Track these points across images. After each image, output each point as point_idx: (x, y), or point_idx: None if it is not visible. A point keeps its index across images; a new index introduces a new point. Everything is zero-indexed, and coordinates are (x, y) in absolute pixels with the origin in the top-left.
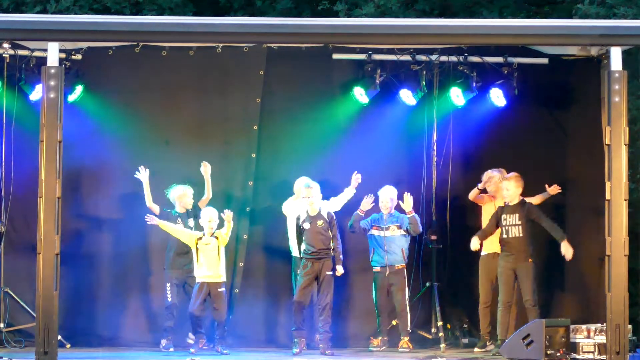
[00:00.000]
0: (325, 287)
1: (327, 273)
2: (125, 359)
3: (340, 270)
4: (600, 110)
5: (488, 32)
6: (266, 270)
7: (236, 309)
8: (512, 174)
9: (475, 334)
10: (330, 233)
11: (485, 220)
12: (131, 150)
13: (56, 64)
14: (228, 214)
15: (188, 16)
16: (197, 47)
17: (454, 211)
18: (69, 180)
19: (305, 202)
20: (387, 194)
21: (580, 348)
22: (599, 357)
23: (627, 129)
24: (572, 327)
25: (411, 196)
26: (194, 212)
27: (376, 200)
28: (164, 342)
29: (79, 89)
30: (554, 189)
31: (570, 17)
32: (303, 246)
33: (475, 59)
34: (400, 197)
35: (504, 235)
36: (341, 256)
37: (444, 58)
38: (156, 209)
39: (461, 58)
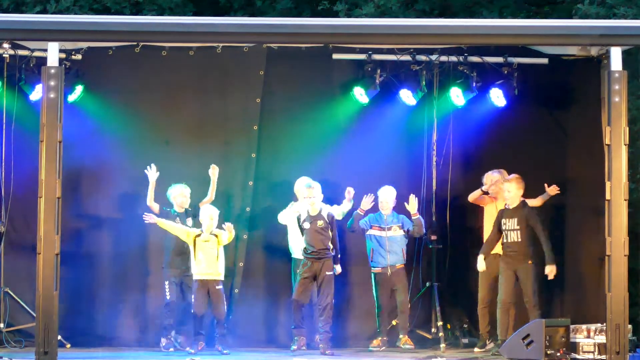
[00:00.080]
0: (326, 288)
1: (327, 273)
2: (125, 359)
3: (338, 269)
4: (600, 110)
5: (488, 32)
6: (266, 270)
7: (236, 309)
8: (513, 175)
9: (475, 334)
10: (330, 233)
11: (487, 222)
12: (131, 150)
13: (56, 64)
14: (229, 226)
15: (188, 16)
16: (197, 47)
17: (454, 211)
18: (69, 180)
19: (306, 202)
20: (387, 194)
21: (580, 348)
22: (599, 357)
23: (627, 129)
24: (572, 327)
25: (416, 198)
26: (193, 212)
27: (375, 200)
28: (164, 341)
29: (79, 89)
30: (553, 190)
31: (570, 17)
32: (303, 245)
33: (475, 59)
34: (399, 197)
35: (504, 240)
36: (339, 255)
37: (444, 58)
38: (156, 207)
39: (461, 58)
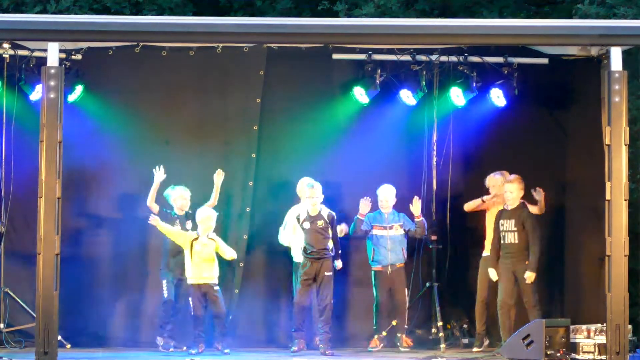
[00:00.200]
0: (325, 288)
1: (327, 273)
2: (125, 359)
3: (339, 264)
4: (600, 110)
5: (488, 32)
6: (266, 270)
7: (236, 309)
8: (514, 176)
9: (475, 334)
10: (330, 233)
11: (489, 224)
12: (131, 150)
13: (56, 64)
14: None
15: (188, 16)
16: (197, 47)
17: (454, 211)
18: (69, 180)
19: (308, 202)
20: (387, 193)
21: (580, 348)
22: (599, 357)
23: (627, 129)
24: (572, 327)
25: (420, 200)
26: (193, 215)
27: (375, 199)
28: (160, 340)
29: (79, 89)
30: (538, 193)
31: (570, 17)
32: (303, 246)
33: (475, 59)
34: (399, 197)
35: (502, 241)
36: (339, 250)
37: (444, 58)
38: (155, 208)
39: (461, 58)
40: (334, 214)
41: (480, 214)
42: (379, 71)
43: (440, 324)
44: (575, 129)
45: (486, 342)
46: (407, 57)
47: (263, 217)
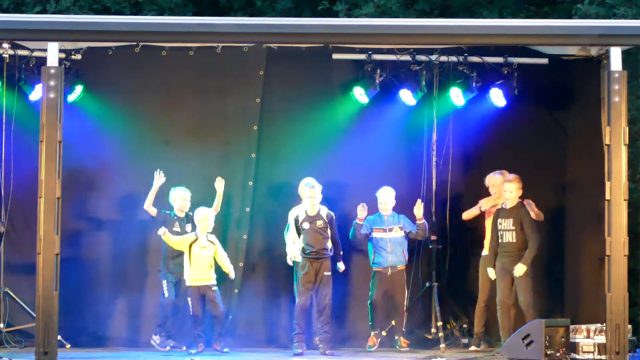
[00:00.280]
0: (324, 288)
1: (326, 273)
2: (124, 359)
3: (342, 266)
4: (600, 110)
5: (488, 32)
6: (266, 270)
7: (236, 309)
8: (513, 175)
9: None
10: (329, 233)
11: (488, 224)
12: (131, 150)
13: (56, 64)
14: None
15: (188, 16)
16: (197, 47)
17: (453, 211)
18: (69, 180)
19: (307, 202)
20: (386, 195)
21: (580, 348)
22: (598, 357)
23: (627, 129)
24: (572, 327)
25: (422, 203)
26: (194, 216)
27: (374, 200)
28: (157, 339)
29: (78, 89)
30: (529, 205)
31: (570, 17)
32: (302, 246)
33: (475, 59)
34: (399, 197)
35: (499, 240)
36: (341, 253)
37: (443, 58)
38: (153, 211)
39: (461, 58)
40: (332, 213)
41: (480, 215)
42: (378, 71)
43: (440, 323)
44: (575, 129)
45: (483, 344)
46: (407, 57)
47: (263, 217)
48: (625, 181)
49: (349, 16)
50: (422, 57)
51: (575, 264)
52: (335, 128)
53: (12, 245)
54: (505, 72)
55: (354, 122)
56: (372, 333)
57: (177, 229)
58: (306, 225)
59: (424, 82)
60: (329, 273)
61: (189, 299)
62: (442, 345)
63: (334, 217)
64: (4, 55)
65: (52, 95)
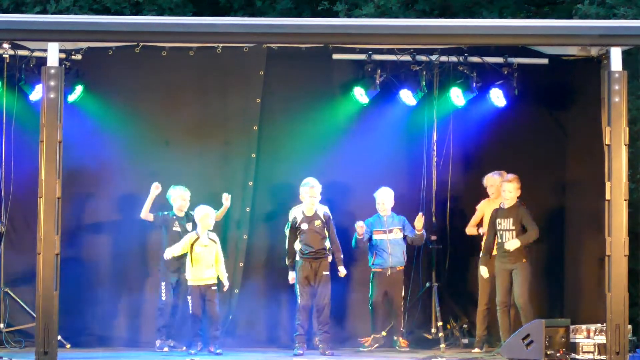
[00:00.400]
0: (323, 288)
1: (324, 273)
2: (124, 359)
3: (343, 271)
4: (600, 110)
5: (488, 32)
6: (266, 270)
7: (236, 309)
8: (512, 175)
9: (475, 334)
10: (327, 233)
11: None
12: (131, 150)
13: (56, 64)
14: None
15: (188, 16)
16: (197, 47)
17: (453, 211)
18: (69, 180)
19: (307, 202)
20: (385, 196)
21: (580, 348)
22: (598, 357)
23: (627, 129)
24: (572, 327)
25: (423, 216)
26: (193, 217)
27: (373, 202)
28: (158, 342)
29: (79, 89)
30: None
31: (570, 17)
32: (300, 246)
33: (475, 59)
34: (399, 197)
35: (499, 240)
36: (342, 256)
37: (444, 58)
38: (150, 217)
39: (461, 58)
40: (329, 213)
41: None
42: (379, 71)
43: (440, 324)
44: (575, 129)
45: (486, 347)
46: (407, 57)
47: (263, 217)
48: (625, 181)
49: (349, 16)
50: (422, 57)
51: (575, 264)
52: (335, 128)
53: (12, 245)
54: (506, 72)
55: (354, 122)
56: (372, 335)
57: (177, 228)
58: (304, 226)
59: (424, 82)
60: (328, 273)
61: (189, 297)
62: (442, 346)
63: (331, 217)
64: (4, 56)
65: (52, 96)
